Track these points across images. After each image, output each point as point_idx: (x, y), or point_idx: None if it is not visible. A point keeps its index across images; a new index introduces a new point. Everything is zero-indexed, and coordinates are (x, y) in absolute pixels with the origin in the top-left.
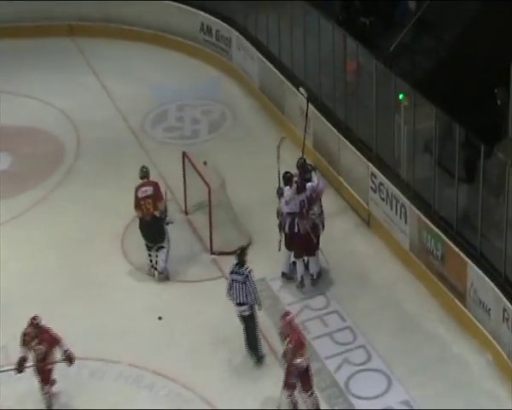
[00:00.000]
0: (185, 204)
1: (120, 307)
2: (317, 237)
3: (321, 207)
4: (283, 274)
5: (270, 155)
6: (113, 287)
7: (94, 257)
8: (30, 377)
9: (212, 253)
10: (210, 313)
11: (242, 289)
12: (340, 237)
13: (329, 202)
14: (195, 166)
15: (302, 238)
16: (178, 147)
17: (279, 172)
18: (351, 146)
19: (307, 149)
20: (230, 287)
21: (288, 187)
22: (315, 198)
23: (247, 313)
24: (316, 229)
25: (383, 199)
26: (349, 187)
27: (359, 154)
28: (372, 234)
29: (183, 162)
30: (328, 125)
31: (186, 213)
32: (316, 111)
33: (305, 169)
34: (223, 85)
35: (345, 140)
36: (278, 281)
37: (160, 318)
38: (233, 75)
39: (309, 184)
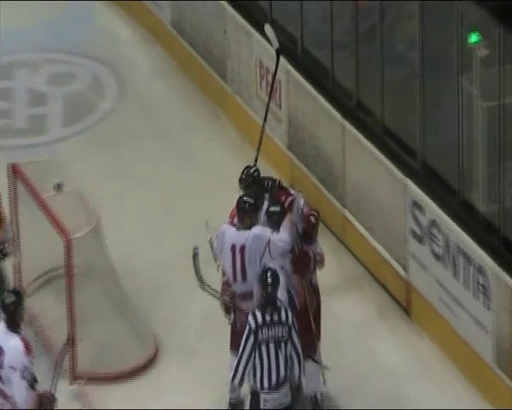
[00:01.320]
0: (17, 275)
1: None
2: (318, 311)
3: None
4: (231, 405)
5: (197, 167)
6: None
7: None
8: None
9: (75, 378)
10: None
11: (283, 349)
12: (351, 332)
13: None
14: (37, 192)
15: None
16: (2, 152)
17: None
18: (368, 144)
19: (277, 153)
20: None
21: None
22: (312, 228)
23: (288, 398)
24: (315, 296)
25: (438, 256)
26: (365, 231)
27: (386, 159)
28: (415, 329)
29: (12, 185)
30: (321, 99)
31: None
32: (293, 71)
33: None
34: (98, 22)
35: (356, 132)
36: None
37: None
38: (119, 2)
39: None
